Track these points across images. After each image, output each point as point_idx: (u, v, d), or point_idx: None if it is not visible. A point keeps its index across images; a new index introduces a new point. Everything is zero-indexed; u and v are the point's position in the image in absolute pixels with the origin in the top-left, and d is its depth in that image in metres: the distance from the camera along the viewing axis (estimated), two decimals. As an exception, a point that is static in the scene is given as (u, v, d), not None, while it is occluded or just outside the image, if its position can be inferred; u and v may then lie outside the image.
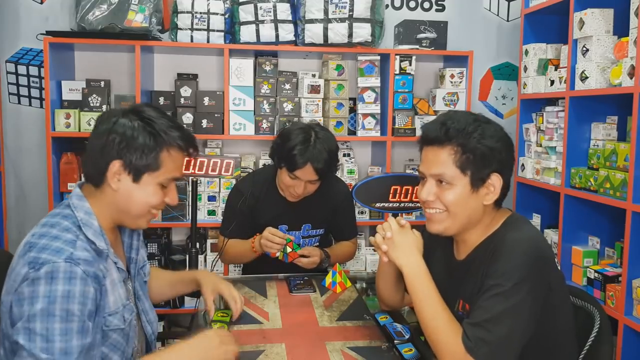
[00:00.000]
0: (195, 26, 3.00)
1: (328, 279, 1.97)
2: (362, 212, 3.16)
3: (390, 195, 2.04)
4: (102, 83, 3.03)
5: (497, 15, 3.54)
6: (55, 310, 1.14)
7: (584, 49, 2.43)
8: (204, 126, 3.06)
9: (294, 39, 3.07)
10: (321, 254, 2.14)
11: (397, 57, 3.12)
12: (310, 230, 2.25)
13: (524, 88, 2.98)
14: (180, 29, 3.01)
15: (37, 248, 1.21)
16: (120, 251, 1.44)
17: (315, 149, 2.00)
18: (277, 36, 3.04)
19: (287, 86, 3.14)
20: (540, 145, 2.81)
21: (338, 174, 3.13)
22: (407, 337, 1.57)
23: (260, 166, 3.19)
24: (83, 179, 1.39)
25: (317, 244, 2.31)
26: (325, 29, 3.00)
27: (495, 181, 1.37)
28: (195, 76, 3.22)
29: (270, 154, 2.17)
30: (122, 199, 1.33)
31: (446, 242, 1.53)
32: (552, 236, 2.70)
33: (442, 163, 1.37)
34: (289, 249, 2.05)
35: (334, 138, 2.13)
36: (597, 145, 2.46)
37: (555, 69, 2.74)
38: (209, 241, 3.13)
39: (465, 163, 1.36)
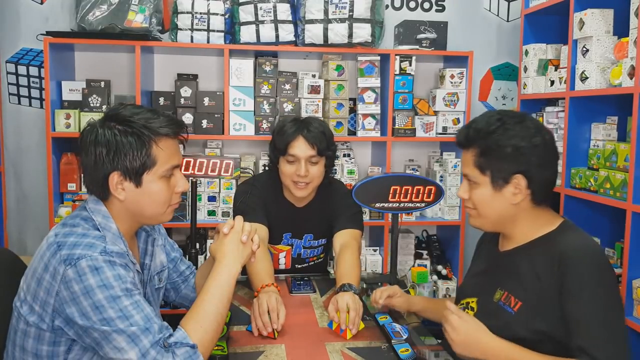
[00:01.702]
0: (195, 26, 3.00)
1: (335, 323, 1.65)
2: (363, 212, 3.15)
3: (390, 195, 2.03)
4: (102, 83, 3.03)
5: (497, 15, 3.54)
6: (117, 292, 1.20)
7: (584, 49, 2.43)
8: (204, 126, 3.06)
9: (294, 39, 3.07)
10: (349, 304, 1.66)
11: (397, 57, 3.12)
12: (311, 240, 2.21)
13: (524, 88, 2.98)
14: (180, 29, 3.01)
15: (68, 245, 1.23)
16: (135, 256, 1.46)
17: (307, 124, 2.04)
18: (277, 36, 3.04)
19: (287, 86, 3.14)
20: (540, 146, 2.81)
21: (338, 175, 3.15)
22: (404, 337, 1.57)
23: (261, 167, 3.19)
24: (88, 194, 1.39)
25: (323, 254, 2.28)
26: (325, 30, 3.00)
27: (520, 182, 1.38)
28: (195, 76, 3.22)
29: (269, 155, 2.14)
30: (133, 205, 1.33)
31: (495, 234, 1.57)
32: (552, 236, 2.70)
33: (467, 164, 1.44)
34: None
35: (327, 125, 2.16)
36: (597, 146, 2.46)
37: (555, 69, 2.74)
38: (209, 241, 3.13)
39: (484, 164, 1.39)
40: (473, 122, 1.44)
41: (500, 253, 1.52)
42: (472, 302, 1.54)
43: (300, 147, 2.00)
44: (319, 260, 2.29)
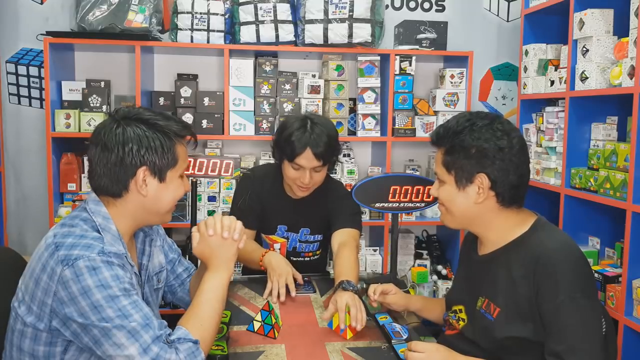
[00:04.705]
0: (195, 26, 3.00)
1: (335, 322, 1.63)
2: (362, 212, 3.15)
3: (390, 195, 2.03)
4: (102, 83, 3.03)
5: (497, 15, 3.54)
6: (115, 292, 1.21)
7: (584, 49, 2.43)
8: (204, 126, 3.06)
9: (294, 39, 3.07)
10: (349, 302, 1.67)
11: (397, 57, 3.12)
12: (308, 235, 2.22)
13: (524, 88, 2.98)
14: (181, 29, 3.01)
15: (66, 246, 1.23)
16: (133, 257, 1.46)
17: (313, 133, 1.97)
18: (277, 36, 3.04)
19: (287, 86, 3.14)
20: (540, 146, 2.81)
21: (338, 175, 3.15)
22: (405, 337, 1.57)
23: (260, 166, 3.19)
24: (92, 192, 1.39)
25: (319, 250, 2.29)
26: (325, 30, 3.00)
27: (483, 181, 1.39)
28: (195, 76, 3.22)
29: (272, 150, 2.14)
30: (151, 201, 1.36)
31: (474, 238, 1.58)
32: (552, 236, 2.70)
33: (437, 162, 1.49)
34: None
35: (332, 123, 2.10)
36: (597, 146, 2.46)
37: (555, 70, 2.74)
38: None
39: (449, 162, 1.43)
40: (447, 121, 1.48)
41: (479, 258, 1.52)
42: (461, 311, 1.54)
43: (307, 159, 1.98)
44: (315, 257, 2.29)
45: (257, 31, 3.02)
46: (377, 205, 2.05)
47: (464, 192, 1.42)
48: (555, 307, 1.29)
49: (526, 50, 2.94)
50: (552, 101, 2.81)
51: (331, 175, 2.35)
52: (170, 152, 1.35)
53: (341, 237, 2.07)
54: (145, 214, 1.38)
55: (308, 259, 2.27)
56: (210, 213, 3.09)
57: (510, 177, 1.39)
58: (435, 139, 1.48)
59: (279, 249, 2.19)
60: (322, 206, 2.18)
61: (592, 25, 2.38)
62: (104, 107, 3.00)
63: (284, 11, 3.03)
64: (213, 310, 1.34)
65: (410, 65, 3.14)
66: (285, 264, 1.96)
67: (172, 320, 1.34)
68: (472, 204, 1.42)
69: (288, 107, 3.12)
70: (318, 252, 2.29)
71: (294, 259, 2.24)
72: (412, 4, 3.47)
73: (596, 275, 2.31)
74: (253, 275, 2.16)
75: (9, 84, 3.22)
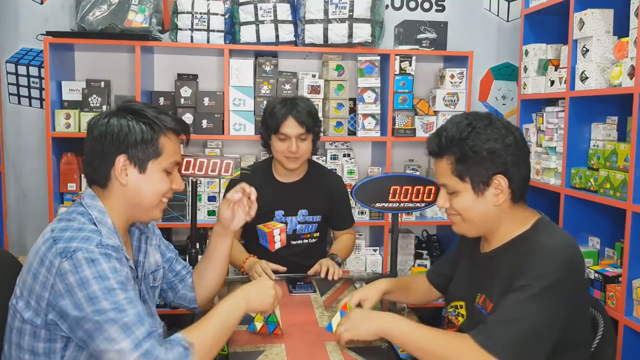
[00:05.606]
0: (195, 26, 3.00)
1: (335, 323, 1.59)
2: (362, 212, 3.16)
3: (390, 195, 2.03)
4: (102, 83, 3.03)
5: (497, 15, 3.54)
6: (112, 285, 1.21)
7: (584, 49, 2.43)
8: (204, 126, 3.06)
9: (294, 39, 3.08)
10: (328, 262, 2.12)
11: (397, 57, 3.12)
12: (307, 216, 2.31)
13: (524, 88, 2.98)
14: (181, 29, 3.01)
15: (64, 239, 1.24)
16: (129, 252, 1.46)
17: (295, 104, 2.19)
18: (277, 36, 3.04)
19: (287, 86, 3.14)
20: (540, 146, 2.82)
21: (338, 174, 3.15)
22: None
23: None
24: (88, 187, 1.41)
25: (317, 233, 2.36)
26: (325, 30, 3.00)
27: (501, 182, 1.38)
28: (195, 76, 3.22)
29: (260, 134, 2.30)
30: (132, 192, 1.36)
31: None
32: (552, 236, 2.70)
33: (443, 174, 1.43)
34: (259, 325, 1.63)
35: (312, 103, 2.31)
36: (597, 146, 2.46)
37: (555, 69, 2.74)
38: (209, 241, 3.13)
39: (462, 171, 1.39)
40: (443, 130, 1.43)
41: (481, 255, 1.52)
42: (461, 307, 1.55)
43: (291, 127, 2.17)
44: (313, 240, 2.36)
45: (257, 31, 3.02)
46: (377, 205, 2.05)
47: (482, 197, 1.39)
48: (514, 288, 1.29)
49: (526, 50, 2.95)
50: (552, 101, 2.81)
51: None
52: (152, 143, 1.35)
53: (344, 237, 2.43)
54: (129, 207, 1.38)
55: (307, 241, 2.35)
56: (211, 213, 3.09)
57: (522, 170, 1.40)
58: (437, 150, 1.43)
59: (279, 234, 2.21)
60: (320, 188, 2.33)
61: (592, 25, 2.38)
62: (104, 107, 3.00)
63: (284, 11, 3.03)
64: (215, 334, 1.31)
65: (410, 65, 3.14)
66: (258, 261, 2.11)
67: (172, 321, 1.33)
68: (491, 206, 1.40)
69: (288, 107, 3.12)
70: (315, 235, 2.37)
71: (294, 242, 2.32)
72: (412, 4, 3.47)
73: (596, 275, 2.31)
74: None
75: (9, 84, 3.22)
